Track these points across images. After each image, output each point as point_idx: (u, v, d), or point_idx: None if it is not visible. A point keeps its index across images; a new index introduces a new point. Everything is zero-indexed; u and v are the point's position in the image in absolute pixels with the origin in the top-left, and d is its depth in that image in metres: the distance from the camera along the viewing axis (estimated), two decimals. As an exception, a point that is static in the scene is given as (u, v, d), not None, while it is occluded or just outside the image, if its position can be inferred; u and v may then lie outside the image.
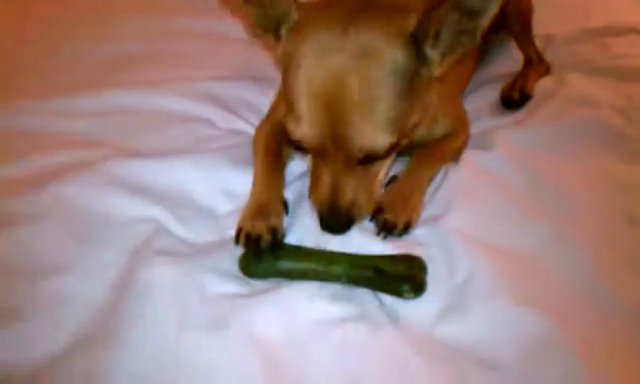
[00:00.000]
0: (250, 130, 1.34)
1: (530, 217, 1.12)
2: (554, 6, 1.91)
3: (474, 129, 1.34)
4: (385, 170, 1.05)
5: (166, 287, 0.96)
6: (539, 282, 1.01)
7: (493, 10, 0.92)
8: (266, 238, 1.00)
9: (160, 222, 1.09)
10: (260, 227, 1.02)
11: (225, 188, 1.18)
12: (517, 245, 1.06)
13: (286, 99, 1.00)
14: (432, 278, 0.98)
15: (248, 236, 1.01)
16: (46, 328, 0.92)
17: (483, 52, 1.60)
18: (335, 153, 0.97)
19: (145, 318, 0.93)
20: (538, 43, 1.72)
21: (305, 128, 0.96)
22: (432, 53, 0.97)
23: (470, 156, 1.21)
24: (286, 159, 1.23)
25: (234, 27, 1.72)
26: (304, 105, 0.95)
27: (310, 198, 1.06)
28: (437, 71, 1.00)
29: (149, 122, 1.34)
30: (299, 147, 1.01)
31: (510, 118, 1.42)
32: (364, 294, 0.97)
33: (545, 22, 1.80)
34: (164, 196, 1.14)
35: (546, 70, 1.61)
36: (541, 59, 1.63)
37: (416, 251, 1.01)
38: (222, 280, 0.99)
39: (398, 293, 0.95)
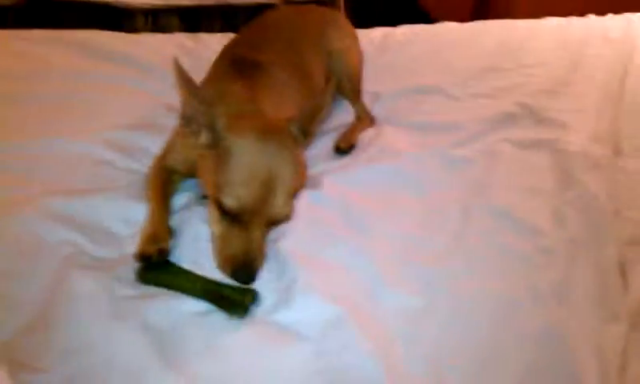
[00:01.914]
0: (143, 169, 1.68)
1: (339, 236, 1.50)
2: (384, 66, 2.36)
3: (312, 171, 1.72)
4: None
5: (84, 291, 1.29)
6: (341, 280, 1.37)
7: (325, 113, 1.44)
8: (156, 256, 1.36)
9: (79, 244, 1.41)
10: (152, 249, 1.36)
11: (125, 217, 1.51)
12: (329, 256, 1.44)
13: (222, 179, 1.34)
14: (268, 281, 1.36)
15: (143, 254, 1.35)
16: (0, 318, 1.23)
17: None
18: (257, 219, 1.35)
19: (69, 312, 1.25)
20: (368, 99, 2.13)
21: (243, 198, 1.32)
22: (303, 145, 1.47)
23: (303, 194, 1.56)
24: (171, 195, 1.59)
25: (132, 80, 2.08)
26: (244, 182, 1.32)
27: (218, 257, 1.37)
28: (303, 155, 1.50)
29: (65, 164, 1.66)
30: (226, 212, 1.34)
31: (337, 163, 1.83)
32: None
33: (375, 79, 2.24)
34: (82, 224, 1.46)
35: (372, 122, 2.04)
36: (368, 114, 2.07)
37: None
38: (124, 285, 1.32)
39: (228, 312, 1.29)
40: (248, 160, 1.35)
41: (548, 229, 1.60)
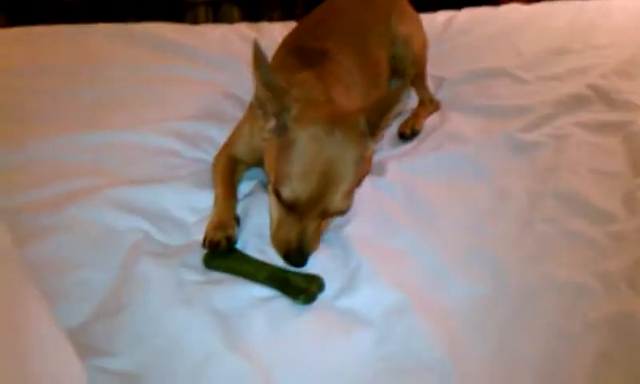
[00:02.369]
0: (208, 158, 1.69)
1: (403, 223, 1.50)
2: (448, 51, 2.32)
3: (376, 157, 1.71)
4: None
5: (153, 277, 1.31)
6: (405, 267, 1.38)
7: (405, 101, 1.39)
8: (224, 243, 1.38)
9: (147, 231, 1.43)
10: (220, 236, 1.38)
11: (191, 205, 1.53)
12: (393, 243, 1.45)
13: (283, 169, 1.34)
14: (333, 267, 1.36)
15: (211, 242, 1.38)
16: (73, 305, 1.26)
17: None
18: (312, 211, 1.34)
19: (139, 297, 1.28)
20: (432, 83, 2.10)
21: (299, 192, 1.31)
22: (371, 141, 1.42)
23: (368, 180, 1.59)
24: (237, 183, 1.60)
25: (196, 72, 2.09)
26: (302, 176, 1.31)
27: (273, 239, 1.40)
28: (372, 151, 1.45)
29: (132, 155, 1.67)
30: (284, 203, 1.34)
31: (401, 149, 1.82)
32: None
33: (439, 64, 2.20)
34: (148, 212, 1.48)
35: (436, 107, 2.01)
36: (432, 99, 2.04)
37: (324, 251, 1.40)
38: (191, 271, 1.34)
39: (294, 298, 1.29)
40: (309, 155, 1.33)
41: (619, 214, 1.56)
